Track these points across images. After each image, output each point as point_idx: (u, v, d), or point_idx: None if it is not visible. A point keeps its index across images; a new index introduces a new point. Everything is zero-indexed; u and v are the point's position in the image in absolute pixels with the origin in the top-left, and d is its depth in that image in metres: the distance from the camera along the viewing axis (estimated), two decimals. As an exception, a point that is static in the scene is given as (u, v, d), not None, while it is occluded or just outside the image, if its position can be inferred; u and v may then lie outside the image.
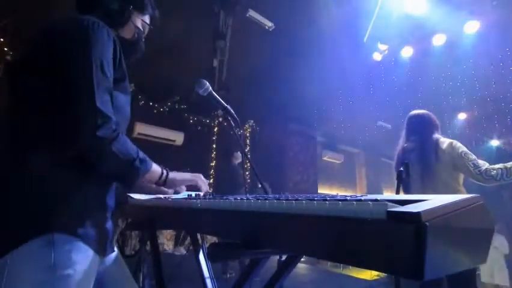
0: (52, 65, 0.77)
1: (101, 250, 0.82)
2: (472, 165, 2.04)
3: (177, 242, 5.39)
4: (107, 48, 0.81)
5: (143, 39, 1.09)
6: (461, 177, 2.17)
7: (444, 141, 2.20)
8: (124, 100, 0.89)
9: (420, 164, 2.22)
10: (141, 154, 0.84)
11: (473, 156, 2.07)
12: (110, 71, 0.81)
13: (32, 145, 0.76)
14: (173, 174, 0.98)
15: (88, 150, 0.76)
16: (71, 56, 0.78)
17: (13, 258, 0.68)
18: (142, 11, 1.05)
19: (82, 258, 0.75)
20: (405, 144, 2.38)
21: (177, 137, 6.32)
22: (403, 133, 2.46)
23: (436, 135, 2.28)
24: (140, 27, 1.05)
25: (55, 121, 0.77)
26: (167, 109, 6.39)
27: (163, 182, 0.96)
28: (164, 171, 0.95)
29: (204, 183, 1.06)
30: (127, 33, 1.03)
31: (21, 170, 0.74)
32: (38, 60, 0.80)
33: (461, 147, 2.12)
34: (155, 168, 0.92)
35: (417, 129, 2.34)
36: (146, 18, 1.08)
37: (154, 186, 0.98)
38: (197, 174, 1.05)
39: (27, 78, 0.80)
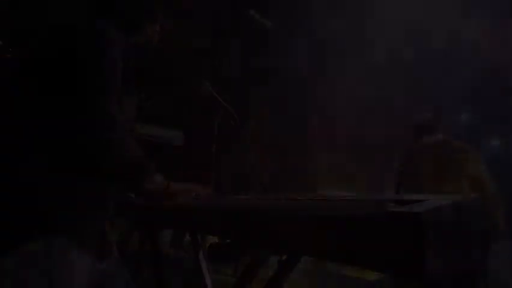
0: (66, 67, 0.78)
1: (100, 253, 0.82)
2: (482, 165, 2.13)
3: (175, 244, 5.34)
4: (119, 51, 0.83)
5: (152, 47, 1.11)
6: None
7: (453, 142, 2.25)
8: (127, 102, 0.90)
9: (430, 164, 2.26)
10: (146, 157, 0.86)
11: None
12: (119, 74, 0.82)
13: (36, 146, 0.76)
14: (174, 184, 0.94)
15: (101, 153, 0.77)
16: (85, 60, 0.78)
17: (10, 261, 0.68)
18: (154, 20, 1.07)
19: (81, 262, 0.75)
20: (414, 145, 2.42)
21: (177, 137, 6.32)
22: (411, 134, 2.50)
23: (444, 136, 2.32)
24: (151, 36, 1.07)
25: (65, 123, 0.77)
26: (167, 109, 6.39)
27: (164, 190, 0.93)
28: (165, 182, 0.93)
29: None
30: (136, 39, 1.04)
31: (22, 171, 0.74)
32: (51, 62, 0.80)
33: (472, 149, 2.19)
34: (159, 175, 0.91)
35: (425, 130, 2.38)
36: (158, 28, 1.10)
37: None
38: (197, 187, 1.02)
39: (38, 78, 0.80)
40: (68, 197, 0.76)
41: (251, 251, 0.64)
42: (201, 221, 0.85)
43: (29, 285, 0.69)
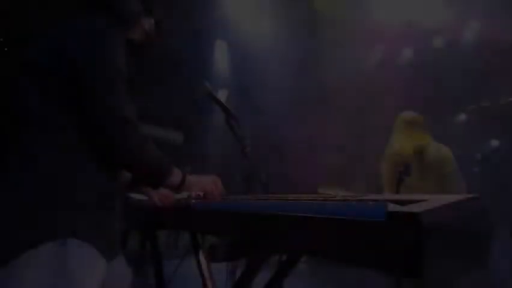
0: (72, 69, 0.78)
1: (111, 254, 0.83)
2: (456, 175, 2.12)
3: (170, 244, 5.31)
4: (121, 49, 0.83)
5: (151, 42, 1.10)
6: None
7: (438, 145, 2.25)
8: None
9: (419, 165, 2.25)
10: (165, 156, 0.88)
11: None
12: (124, 73, 0.83)
13: (46, 147, 0.76)
14: (190, 178, 0.95)
15: (126, 154, 0.80)
16: (91, 62, 0.79)
17: (25, 260, 0.69)
18: (151, 14, 1.07)
19: (93, 263, 0.76)
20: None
21: (177, 137, 6.31)
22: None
23: (430, 138, 2.32)
24: (149, 30, 1.07)
25: (81, 125, 0.77)
26: (167, 109, 6.38)
27: (181, 185, 0.93)
28: (183, 174, 0.93)
29: (218, 191, 1.00)
30: (135, 35, 1.04)
31: (36, 172, 0.74)
32: (55, 64, 0.79)
33: (451, 155, 2.19)
34: (176, 170, 0.91)
35: (417, 131, 2.38)
36: (154, 22, 1.09)
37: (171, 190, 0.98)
38: (214, 179, 1.01)
39: (42, 80, 0.80)
40: (83, 200, 0.77)
41: (251, 251, 0.64)
42: (201, 221, 0.86)
43: (42, 285, 0.69)
